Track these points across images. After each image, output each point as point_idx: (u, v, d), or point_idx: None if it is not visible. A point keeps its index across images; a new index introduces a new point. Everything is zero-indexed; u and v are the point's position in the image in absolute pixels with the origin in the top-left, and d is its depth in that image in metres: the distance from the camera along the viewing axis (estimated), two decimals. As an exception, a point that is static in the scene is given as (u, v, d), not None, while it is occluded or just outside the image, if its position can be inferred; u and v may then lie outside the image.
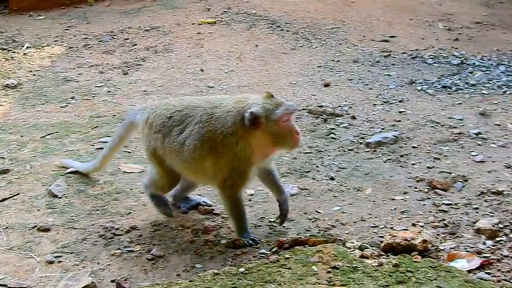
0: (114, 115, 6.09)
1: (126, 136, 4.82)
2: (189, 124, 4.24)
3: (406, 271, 3.71)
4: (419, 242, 4.13)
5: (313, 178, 5.06)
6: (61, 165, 5.18)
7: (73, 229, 4.48)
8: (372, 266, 3.80)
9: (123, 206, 4.76)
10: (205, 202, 4.73)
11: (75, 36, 8.06)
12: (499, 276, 3.84)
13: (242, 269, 3.76)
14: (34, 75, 7.01)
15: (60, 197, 4.85)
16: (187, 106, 4.31)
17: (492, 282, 3.75)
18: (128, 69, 7.09)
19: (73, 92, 6.56)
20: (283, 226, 4.46)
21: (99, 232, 4.43)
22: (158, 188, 4.54)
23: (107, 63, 7.26)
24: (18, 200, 4.81)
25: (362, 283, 3.61)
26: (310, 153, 5.41)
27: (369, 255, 3.99)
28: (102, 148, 5.48)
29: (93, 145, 5.56)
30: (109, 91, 6.59)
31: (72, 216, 4.63)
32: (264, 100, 4.11)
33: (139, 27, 8.31)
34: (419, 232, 4.24)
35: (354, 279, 3.65)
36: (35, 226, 4.49)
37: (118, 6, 9.19)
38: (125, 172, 5.19)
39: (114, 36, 8.02)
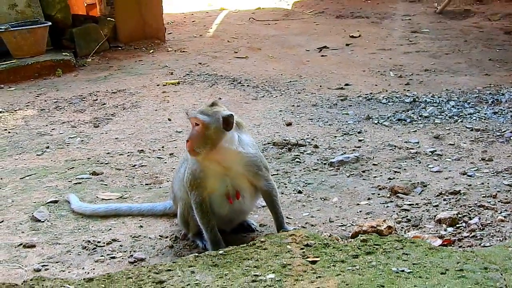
0: (88, 158, 6.37)
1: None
2: None
3: (374, 244, 4.00)
4: (385, 228, 4.44)
5: (282, 193, 5.36)
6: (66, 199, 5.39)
7: (57, 244, 4.69)
8: (342, 243, 4.09)
9: (103, 224, 5.00)
10: None
11: (45, 101, 8.38)
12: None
13: (221, 252, 4.01)
14: (9, 132, 7.29)
15: (43, 221, 5.07)
16: None
17: (454, 249, 4.06)
18: (99, 123, 7.41)
19: (47, 143, 6.84)
20: (257, 230, 4.74)
21: (81, 245, 4.66)
22: None
23: (78, 120, 7.57)
24: (3, 226, 5.03)
25: (334, 255, 3.88)
26: (277, 174, 5.72)
27: (339, 238, 4.28)
28: (79, 183, 5.79)
29: (70, 181, 5.81)
30: (82, 141, 6.89)
31: (55, 234, 4.86)
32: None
33: (107, 90, 8.68)
34: (384, 221, 4.56)
35: (326, 253, 3.93)
36: (21, 244, 4.70)
37: (85, 75, 9.58)
38: (103, 199, 5.43)
39: (83, 99, 8.37)
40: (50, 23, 10.01)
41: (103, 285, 3.66)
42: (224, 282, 3.62)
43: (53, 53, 10.00)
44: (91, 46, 10.49)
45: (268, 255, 3.90)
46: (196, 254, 4.01)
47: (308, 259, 3.84)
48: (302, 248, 3.96)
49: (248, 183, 4.43)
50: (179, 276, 3.71)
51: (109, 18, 11.15)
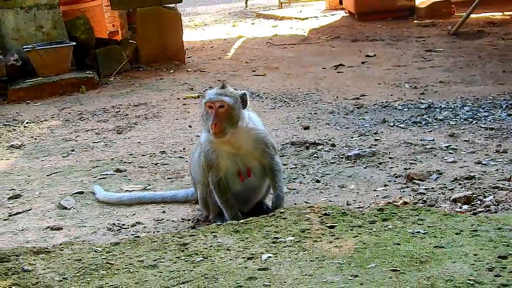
0: (112, 159, 6.56)
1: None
2: None
3: (390, 213, 4.14)
4: (400, 204, 4.58)
5: (300, 182, 5.52)
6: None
7: (83, 227, 4.87)
8: (359, 212, 4.23)
9: (128, 211, 5.18)
10: None
11: (70, 113, 8.62)
12: (474, 219, 4.26)
13: (242, 221, 4.17)
14: (35, 139, 7.52)
15: (69, 209, 5.26)
16: None
17: (468, 214, 4.19)
18: (122, 130, 7.61)
19: (72, 147, 7.05)
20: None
21: (106, 227, 4.84)
22: None
23: (102, 128, 7.79)
24: (31, 213, 5.22)
25: (351, 222, 4.02)
26: (295, 167, 5.88)
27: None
28: (104, 178, 5.98)
29: (95, 177, 6.00)
30: (106, 145, 7.09)
31: (81, 219, 5.04)
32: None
33: (129, 104, 8.91)
34: (400, 198, 4.70)
35: (344, 219, 4.07)
36: (48, 227, 4.89)
37: (108, 92, 9.84)
38: (127, 190, 5.61)
39: (106, 111, 8.60)
40: (74, 43, 10.30)
41: (129, 247, 3.82)
42: (245, 244, 3.76)
43: (77, 72, 10.28)
44: (114, 67, 10.76)
45: (287, 223, 4.05)
46: (219, 223, 4.16)
47: (327, 225, 3.98)
48: (320, 217, 4.11)
49: (257, 161, 4.63)
50: (202, 239, 3.86)
51: (131, 41, 11.44)
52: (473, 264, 3.32)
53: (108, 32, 13.56)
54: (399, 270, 3.31)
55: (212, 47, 14.07)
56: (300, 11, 19.60)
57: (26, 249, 3.91)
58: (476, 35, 12.95)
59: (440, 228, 3.80)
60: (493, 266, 3.29)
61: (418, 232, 3.78)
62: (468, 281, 3.14)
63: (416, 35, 13.47)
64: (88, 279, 3.46)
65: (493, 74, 9.47)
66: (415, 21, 15.22)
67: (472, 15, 14.39)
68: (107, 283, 3.38)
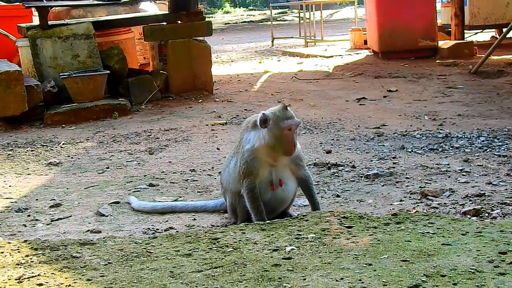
0: (145, 175, 7.00)
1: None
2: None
3: (403, 218, 4.52)
4: (413, 212, 4.96)
5: (321, 197, 5.91)
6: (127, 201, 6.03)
7: (121, 231, 5.28)
8: (375, 216, 4.63)
9: (161, 218, 5.59)
10: None
11: (104, 136, 9.11)
12: (481, 227, 4.63)
13: (268, 222, 4.58)
14: (71, 158, 8.00)
15: (107, 216, 5.68)
16: None
17: (474, 219, 4.56)
18: (154, 151, 8.08)
19: (107, 165, 7.51)
20: (299, 221, 5.29)
21: (142, 231, 5.24)
22: None
23: (135, 149, 8.26)
24: (71, 219, 5.65)
25: (367, 224, 4.41)
26: (317, 184, 6.28)
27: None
28: (138, 191, 6.42)
29: (129, 190, 6.43)
30: (139, 163, 7.54)
31: (119, 224, 5.46)
32: (278, 108, 5.08)
33: (160, 128, 9.39)
34: (413, 208, 5.08)
35: (361, 222, 4.46)
36: (88, 230, 5.30)
37: (139, 118, 10.34)
38: (160, 201, 6.03)
39: (138, 134, 9.08)
40: (108, 72, 10.86)
41: (166, 240, 4.24)
42: (271, 239, 4.17)
43: (110, 99, 10.81)
44: (145, 95, 11.29)
45: (309, 223, 4.45)
46: (247, 223, 4.57)
47: (345, 225, 4.37)
48: (339, 219, 4.50)
49: (290, 173, 5.06)
50: (231, 235, 4.27)
51: (161, 72, 11.99)
52: (475, 258, 3.70)
53: (139, 64, 14.16)
54: (409, 261, 3.70)
55: (238, 80, 14.61)
56: (325, 50, 20.15)
57: (73, 241, 4.34)
58: (496, 74, 13.35)
59: (448, 230, 4.18)
60: (494, 259, 3.66)
61: (428, 232, 4.16)
62: (469, 270, 3.52)
63: (437, 73, 13.90)
64: (131, 263, 3.88)
65: (510, 109, 9.84)
66: (437, 61, 15.67)
67: (494, 57, 14.86)
68: (148, 267, 3.79)
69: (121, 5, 14.50)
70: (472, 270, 3.52)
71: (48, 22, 11.56)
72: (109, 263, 3.90)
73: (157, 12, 14.42)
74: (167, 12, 12.99)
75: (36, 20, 13.22)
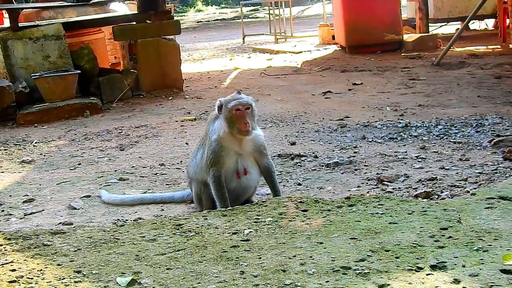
0: (115, 170, 7.25)
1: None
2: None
3: (355, 200, 4.82)
4: (366, 196, 5.26)
5: (284, 185, 6.21)
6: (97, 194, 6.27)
7: (91, 223, 5.52)
8: (330, 200, 4.93)
9: (130, 210, 5.85)
10: None
11: (75, 134, 9.36)
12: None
13: (229, 208, 4.86)
14: (44, 155, 8.24)
15: (78, 209, 5.93)
16: None
17: (421, 200, 4.89)
18: (124, 147, 8.34)
19: (79, 162, 7.76)
20: (261, 208, 5.58)
21: (112, 222, 5.49)
22: None
23: (106, 146, 8.51)
24: (44, 213, 5.89)
25: (322, 207, 4.71)
26: (280, 174, 6.57)
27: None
28: (109, 185, 6.67)
29: (100, 185, 6.68)
30: (110, 159, 7.80)
31: (89, 217, 5.70)
32: (232, 94, 5.37)
33: (130, 126, 9.65)
34: (368, 192, 5.39)
35: (315, 205, 4.75)
36: (60, 223, 5.54)
37: (110, 116, 10.60)
38: (129, 194, 6.30)
39: (109, 132, 9.34)
40: (79, 71, 11.08)
41: (133, 227, 4.51)
42: (231, 224, 4.46)
43: (81, 98, 11.05)
44: (116, 94, 11.54)
45: (267, 208, 4.74)
46: (209, 210, 4.86)
47: (301, 209, 4.67)
48: (296, 204, 4.80)
49: (254, 162, 5.34)
50: (194, 221, 4.55)
51: (132, 70, 12.23)
52: (418, 234, 4.02)
53: (110, 63, 14.39)
54: (357, 238, 4.01)
55: (209, 77, 14.89)
56: (295, 46, 20.48)
57: (45, 230, 4.60)
58: (458, 66, 13.74)
59: (395, 210, 4.50)
60: (435, 234, 3.98)
61: (377, 213, 4.47)
62: (412, 244, 3.83)
63: (402, 66, 14.28)
64: (99, 249, 4.15)
65: (468, 99, 10.20)
66: (402, 54, 16.06)
67: (458, 48, 15.29)
68: (115, 251, 4.07)
69: (91, 6, 14.71)
70: (414, 245, 3.83)
71: (19, 24, 11.74)
72: (78, 249, 4.17)
73: (127, 12, 14.67)
74: (136, 12, 13.23)
75: (7, 22, 13.40)
